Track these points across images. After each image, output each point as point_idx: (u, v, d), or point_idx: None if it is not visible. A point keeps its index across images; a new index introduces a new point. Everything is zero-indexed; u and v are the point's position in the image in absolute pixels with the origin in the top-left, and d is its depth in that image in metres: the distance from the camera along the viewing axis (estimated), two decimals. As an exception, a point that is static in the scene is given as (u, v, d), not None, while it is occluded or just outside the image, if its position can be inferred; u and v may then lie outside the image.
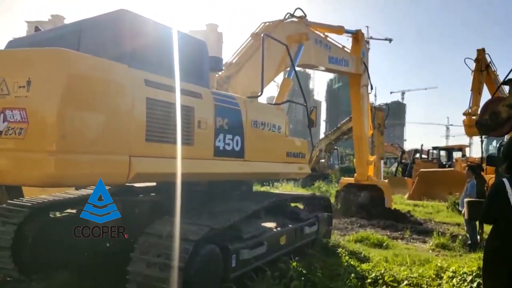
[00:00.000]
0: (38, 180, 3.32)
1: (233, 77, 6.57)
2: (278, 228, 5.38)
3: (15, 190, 6.75)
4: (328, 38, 9.74)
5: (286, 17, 8.29)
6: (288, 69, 7.50)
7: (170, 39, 4.32)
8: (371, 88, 12.14)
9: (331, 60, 9.71)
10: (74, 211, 5.64)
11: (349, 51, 11.01)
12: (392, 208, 12.21)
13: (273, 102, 6.74)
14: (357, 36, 11.61)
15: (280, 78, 8.27)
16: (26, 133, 3.20)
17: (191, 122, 4.27)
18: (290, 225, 5.73)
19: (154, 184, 5.50)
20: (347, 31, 11.16)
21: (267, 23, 7.82)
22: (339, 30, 10.66)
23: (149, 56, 4.07)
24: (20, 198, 5.54)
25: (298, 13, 8.52)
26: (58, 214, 5.72)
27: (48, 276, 4.90)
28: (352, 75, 11.43)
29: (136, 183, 5.04)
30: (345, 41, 11.85)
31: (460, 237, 8.67)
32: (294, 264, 4.88)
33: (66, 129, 3.21)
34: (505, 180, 2.68)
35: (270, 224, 5.35)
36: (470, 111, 13.85)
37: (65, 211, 5.70)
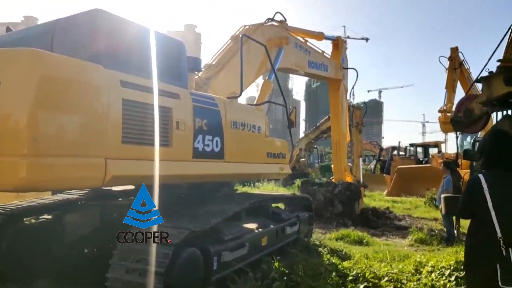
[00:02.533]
0: (9, 185, 3.19)
1: (213, 79, 6.53)
2: (260, 229, 5.37)
3: (-13, 196, 6.52)
4: (308, 43, 9.81)
5: (266, 22, 8.30)
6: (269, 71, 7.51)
7: (147, 39, 4.23)
8: (357, 78, 12.22)
9: (311, 64, 9.77)
10: (50, 217, 5.48)
11: (329, 56, 11.10)
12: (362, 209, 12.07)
13: (254, 103, 6.73)
14: (337, 42, 11.72)
15: (260, 80, 8.29)
16: (-5, 136, 3.09)
17: (169, 123, 4.20)
18: (272, 226, 5.72)
19: (133, 187, 5.39)
20: (327, 37, 11.26)
21: (247, 26, 7.80)
22: (319, 36, 10.74)
23: (125, 57, 3.98)
24: (-7, 205, 5.34)
25: (278, 18, 8.53)
26: (33, 221, 5.54)
27: (24, 284, 4.74)
28: (331, 80, 11.53)
29: (113, 186, 4.93)
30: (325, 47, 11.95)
31: (437, 231, 8.85)
32: (276, 264, 4.87)
33: (38, 131, 3.10)
34: (480, 175, 2.73)
35: (251, 225, 5.33)
36: (445, 108, 14.20)
37: (41, 217, 5.53)
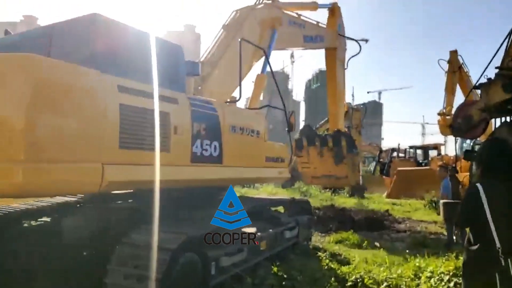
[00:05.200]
0: (6, 191, 3.19)
1: (207, 79, 6.49)
2: (258, 234, 5.34)
3: (-15, 200, 6.51)
4: (302, 17, 9.71)
5: (257, 1, 8.19)
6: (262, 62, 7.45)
7: (144, 44, 4.23)
8: (360, 50, 12.13)
9: (306, 39, 9.70)
10: (48, 219, 5.47)
11: (324, 26, 11.01)
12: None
13: (249, 100, 6.70)
14: (333, 9, 11.56)
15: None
16: (-8, 142, 3.07)
17: (167, 128, 4.19)
18: (271, 230, 5.70)
19: (132, 190, 5.37)
20: (322, 6, 11.09)
21: (238, 12, 7.69)
22: (313, 6, 10.58)
23: (122, 61, 3.96)
24: (-9, 208, 5.33)
25: None
26: (33, 223, 5.53)
27: (24, 286, 4.71)
28: (328, 49, 11.45)
29: (110, 191, 4.91)
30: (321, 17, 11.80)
31: (436, 235, 8.82)
32: (275, 269, 4.85)
33: (34, 137, 3.09)
34: (479, 185, 2.72)
35: (250, 230, 5.31)
36: (444, 111, 14.22)
37: (40, 219, 5.52)
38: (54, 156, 3.20)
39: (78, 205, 5.63)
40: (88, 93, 3.52)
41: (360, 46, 12.12)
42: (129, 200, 5.56)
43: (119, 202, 5.51)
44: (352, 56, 12.49)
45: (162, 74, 4.26)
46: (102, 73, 3.62)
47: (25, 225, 5.37)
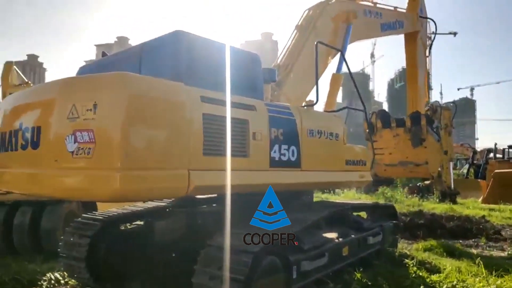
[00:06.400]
0: (106, 196, 3.54)
1: (283, 83, 6.53)
2: (340, 239, 5.24)
3: (90, 204, 7.25)
4: (378, 4, 9.39)
5: None
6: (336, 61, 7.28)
7: (223, 55, 4.44)
8: (436, 29, 11.43)
9: (384, 27, 9.36)
10: (141, 223, 5.92)
11: (403, 10, 10.54)
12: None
13: (325, 102, 6.61)
14: None
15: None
16: (94, 152, 3.41)
17: (246, 134, 4.33)
18: (353, 235, 5.56)
19: (216, 194, 5.61)
20: None
21: (311, 10, 7.58)
22: None
23: (204, 73, 4.20)
24: (94, 212, 5.92)
25: None
26: (128, 226, 6.03)
27: (121, 285, 5.16)
28: (407, 34, 10.92)
29: (196, 195, 5.18)
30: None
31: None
32: (358, 275, 4.73)
33: (129, 147, 3.39)
34: None
35: (332, 235, 5.23)
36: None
37: (134, 223, 6.00)
38: (146, 164, 3.48)
39: (167, 210, 6.02)
40: (175, 105, 3.78)
41: (435, 24, 11.33)
42: (213, 205, 5.81)
43: (204, 206, 5.79)
44: (433, 39, 11.76)
45: (241, 83, 4.43)
46: (186, 85, 3.87)
47: (122, 228, 5.87)
